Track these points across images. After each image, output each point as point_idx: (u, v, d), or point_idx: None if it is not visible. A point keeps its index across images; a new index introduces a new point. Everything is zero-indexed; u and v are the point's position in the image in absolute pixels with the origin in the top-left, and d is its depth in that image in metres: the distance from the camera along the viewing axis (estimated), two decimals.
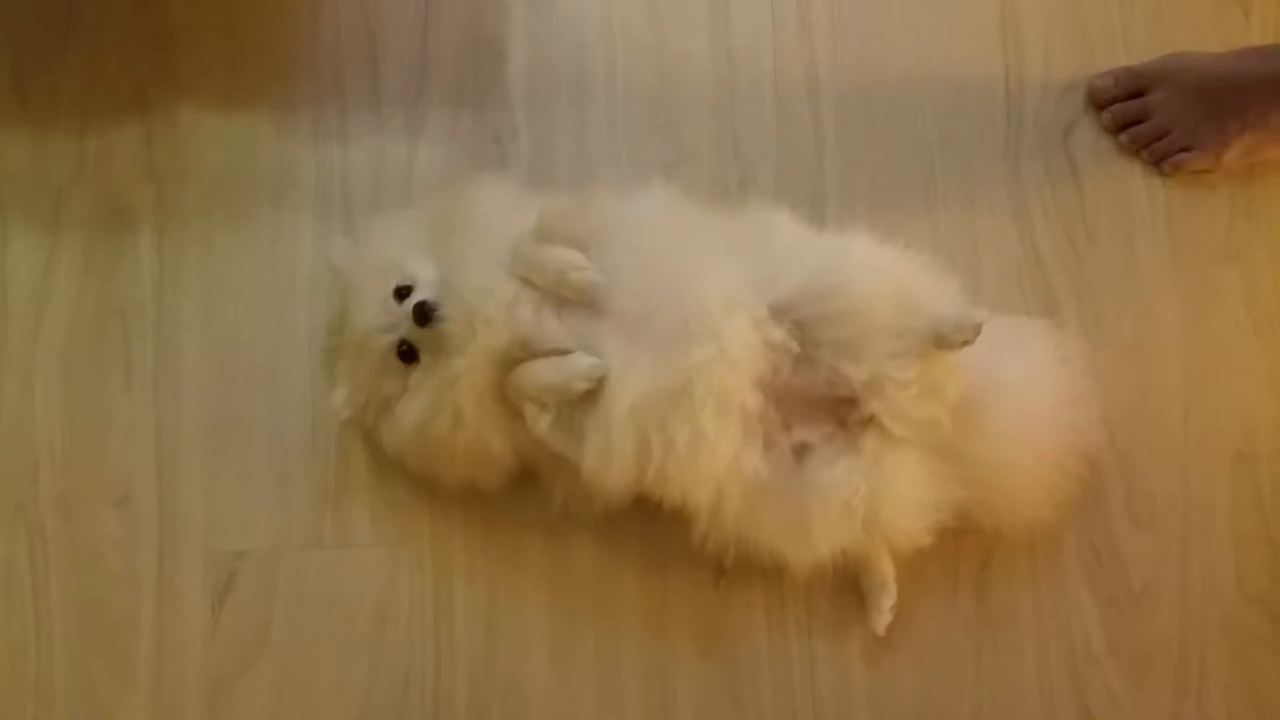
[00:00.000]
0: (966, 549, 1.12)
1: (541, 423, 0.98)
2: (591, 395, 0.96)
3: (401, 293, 1.02)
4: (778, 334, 0.98)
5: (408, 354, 1.01)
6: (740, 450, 0.97)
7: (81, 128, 1.19)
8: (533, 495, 1.09)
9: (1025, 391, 1.07)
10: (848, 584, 1.10)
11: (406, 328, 1.00)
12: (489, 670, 1.10)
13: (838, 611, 1.12)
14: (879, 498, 1.00)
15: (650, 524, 1.09)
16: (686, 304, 0.96)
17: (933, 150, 1.22)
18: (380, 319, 1.02)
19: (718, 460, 0.96)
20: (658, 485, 0.98)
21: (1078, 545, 1.14)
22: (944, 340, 0.97)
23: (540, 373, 0.98)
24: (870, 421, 1.01)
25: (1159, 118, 1.20)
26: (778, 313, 0.98)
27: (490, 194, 1.08)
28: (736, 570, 1.09)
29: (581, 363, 0.96)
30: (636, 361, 0.95)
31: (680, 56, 1.23)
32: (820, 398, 1.00)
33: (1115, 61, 1.24)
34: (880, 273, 1.01)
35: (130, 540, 1.11)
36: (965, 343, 0.96)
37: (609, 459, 0.97)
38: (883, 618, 1.09)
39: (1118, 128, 1.22)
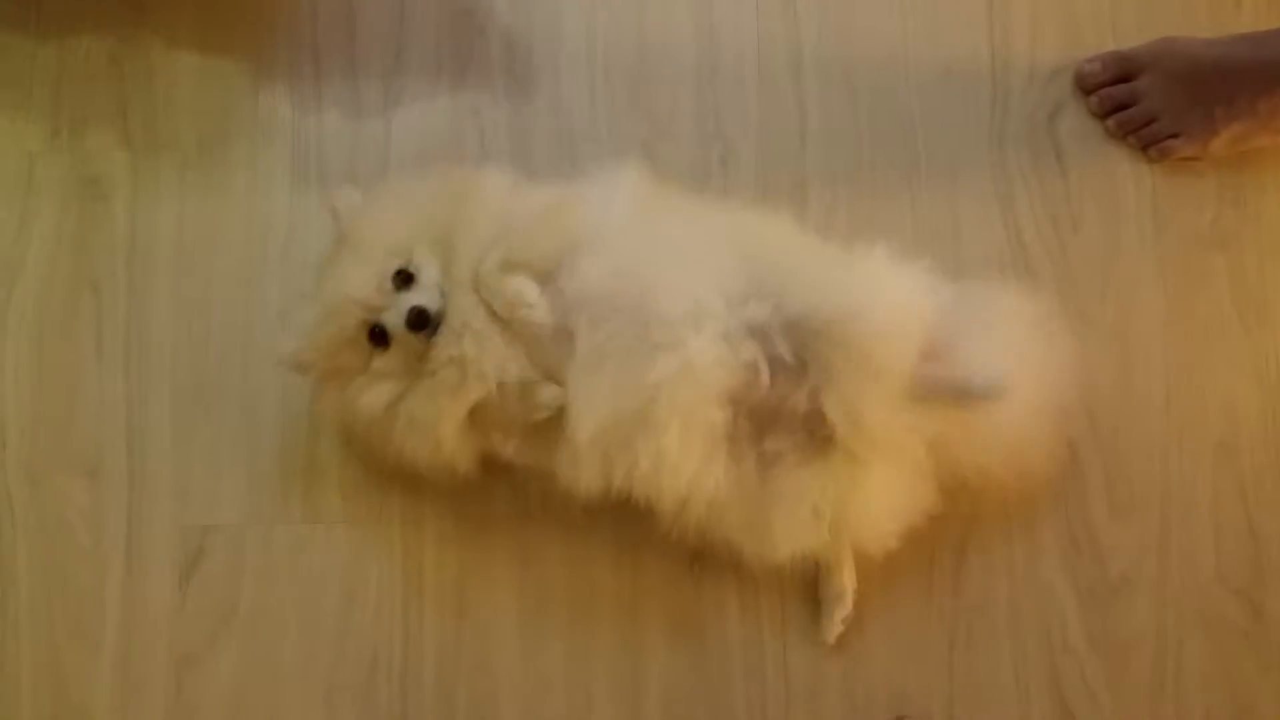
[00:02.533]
0: (942, 536, 1.10)
1: (509, 448, 1.01)
2: (557, 417, 0.97)
3: (403, 278, 0.99)
4: (749, 350, 0.96)
5: (379, 338, 0.99)
6: (703, 467, 0.96)
7: (55, 96, 1.18)
8: (506, 477, 1.07)
9: (1002, 357, 1.03)
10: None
11: (393, 319, 0.97)
12: (457, 651, 1.09)
13: (811, 599, 1.11)
14: (847, 502, 0.99)
15: (624, 508, 1.05)
16: (650, 317, 0.94)
17: (917, 132, 1.21)
18: (367, 294, 0.98)
19: (681, 478, 0.96)
20: (626, 490, 0.99)
21: (1056, 533, 1.13)
22: (966, 399, 0.97)
23: (506, 405, 0.98)
24: (839, 442, 0.99)
25: (1147, 103, 1.19)
26: (778, 329, 0.96)
27: (492, 193, 1.04)
28: (711, 556, 1.07)
29: (544, 394, 0.97)
30: (600, 383, 0.95)
31: (661, 31, 1.22)
32: (791, 411, 0.98)
33: (1103, 46, 1.23)
34: (897, 310, 0.97)
35: (98, 512, 1.11)
36: (986, 401, 0.96)
37: (576, 478, 0.98)
38: (833, 629, 1.08)
39: (1105, 112, 1.21)
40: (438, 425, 0.98)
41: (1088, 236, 1.19)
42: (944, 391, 0.97)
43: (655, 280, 0.96)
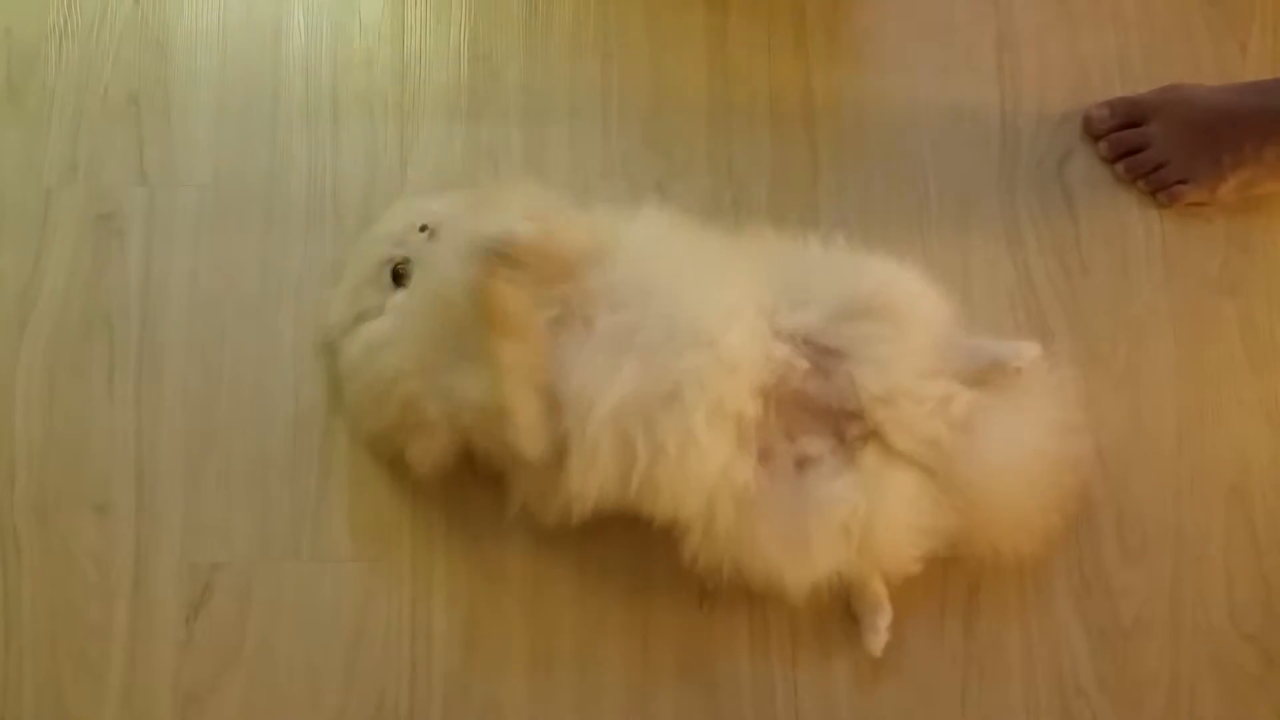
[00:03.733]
0: (955, 578, 1.10)
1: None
2: (572, 405, 0.94)
3: (426, 228, 1.04)
4: (782, 350, 0.97)
5: (399, 275, 1.03)
6: (734, 459, 0.95)
7: (74, 131, 1.19)
8: (518, 516, 1.06)
9: (1016, 418, 1.05)
10: (833, 609, 1.08)
11: (413, 248, 1.02)
12: (466, 690, 1.08)
13: (823, 637, 1.09)
14: (875, 518, 0.98)
15: (634, 543, 1.07)
16: (679, 313, 0.94)
17: (927, 175, 1.22)
18: (393, 231, 1.05)
19: (709, 467, 0.94)
20: (646, 496, 0.96)
21: (1068, 576, 1.12)
22: (1001, 367, 1.01)
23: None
24: (870, 437, 0.99)
25: (1156, 148, 1.19)
26: (812, 327, 0.99)
27: (530, 192, 1.08)
28: (721, 592, 1.07)
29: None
30: (621, 366, 0.93)
31: (676, 74, 1.23)
32: (824, 409, 0.99)
33: (1111, 92, 1.24)
34: (921, 295, 1.02)
35: (106, 548, 1.10)
36: (1019, 370, 1.02)
37: (589, 464, 0.94)
38: (879, 638, 1.06)
39: (1115, 157, 1.21)
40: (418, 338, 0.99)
41: (1098, 280, 1.19)
42: (980, 361, 1.01)
43: (683, 284, 0.96)
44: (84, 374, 1.13)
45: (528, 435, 0.95)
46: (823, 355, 0.99)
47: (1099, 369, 1.17)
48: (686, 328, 0.94)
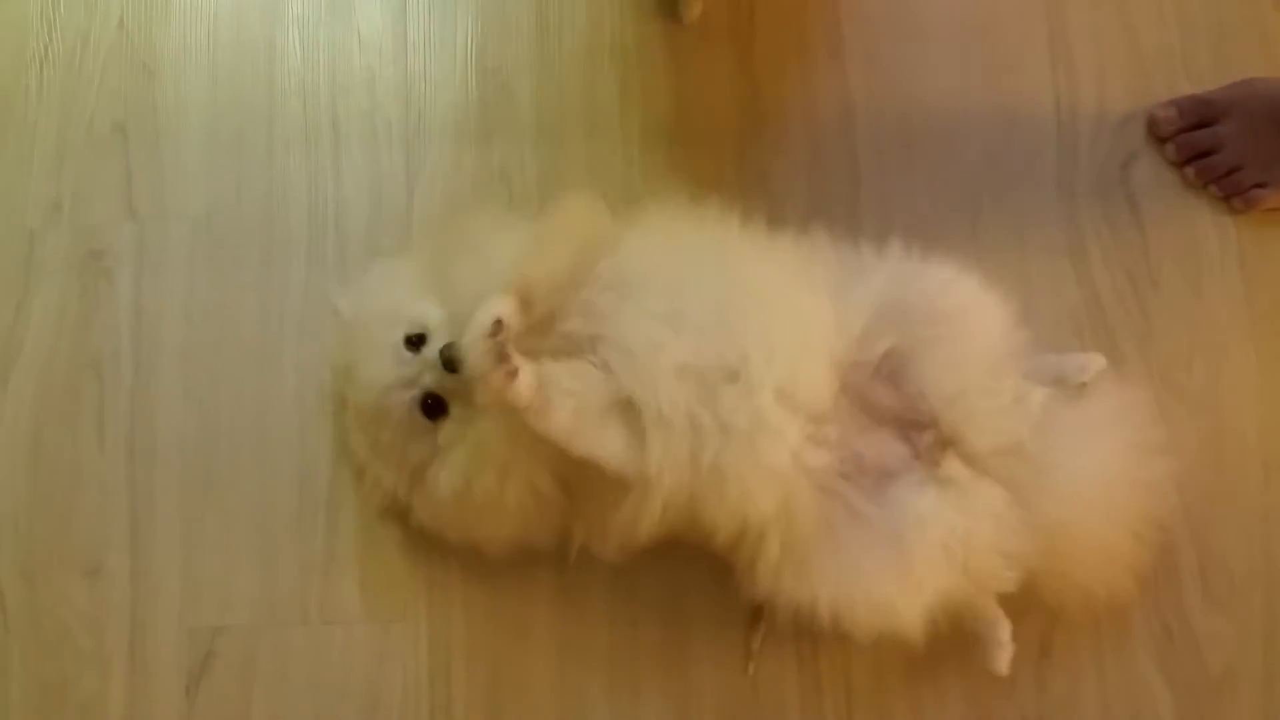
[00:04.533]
0: (1025, 629, 1.01)
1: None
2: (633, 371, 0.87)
3: (413, 341, 0.93)
4: (846, 345, 0.93)
5: (433, 408, 0.92)
6: (807, 446, 0.88)
7: (57, 166, 1.14)
8: (540, 568, 1.02)
9: (1091, 444, 0.97)
10: (889, 663, 1.02)
11: (431, 378, 0.91)
12: None
13: (881, 695, 1.03)
14: (972, 536, 0.91)
15: (669, 597, 1.03)
16: (728, 292, 0.89)
17: (979, 186, 1.15)
18: (395, 374, 0.93)
19: (781, 450, 0.87)
20: (713, 492, 0.87)
21: (1148, 625, 1.05)
22: (1065, 382, 0.99)
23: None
24: (947, 447, 0.93)
25: (1230, 150, 1.12)
26: (866, 332, 0.94)
27: (492, 222, 1.01)
28: (768, 648, 1.01)
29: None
30: (675, 335, 0.86)
31: (700, 85, 1.17)
32: (894, 417, 0.94)
33: (1175, 89, 1.17)
34: (983, 297, 0.99)
35: (99, 613, 1.05)
36: (1084, 385, 0.99)
37: (665, 434, 0.86)
38: (1005, 652, 0.97)
39: (1184, 160, 1.14)
40: (494, 436, 0.89)
41: (1169, 295, 1.12)
42: (1042, 377, 0.98)
43: (723, 270, 0.92)
44: (72, 425, 1.08)
45: (620, 461, 0.87)
46: (886, 360, 0.95)
47: (1174, 394, 1.10)
48: (739, 304, 0.88)
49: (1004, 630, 0.97)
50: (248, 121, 1.15)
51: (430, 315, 0.94)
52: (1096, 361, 1.02)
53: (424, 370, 0.92)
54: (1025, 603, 0.97)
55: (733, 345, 0.87)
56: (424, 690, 1.03)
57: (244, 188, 1.13)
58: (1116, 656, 1.04)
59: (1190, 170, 1.14)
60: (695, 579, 1.02)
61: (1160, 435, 1.01)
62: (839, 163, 1.15)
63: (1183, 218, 1.14)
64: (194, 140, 1.15)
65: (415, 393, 0.92)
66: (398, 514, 1.02)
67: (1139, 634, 1.05)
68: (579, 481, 0.92)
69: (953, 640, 0.97)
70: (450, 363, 0.87)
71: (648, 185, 1.14)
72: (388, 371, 0.93)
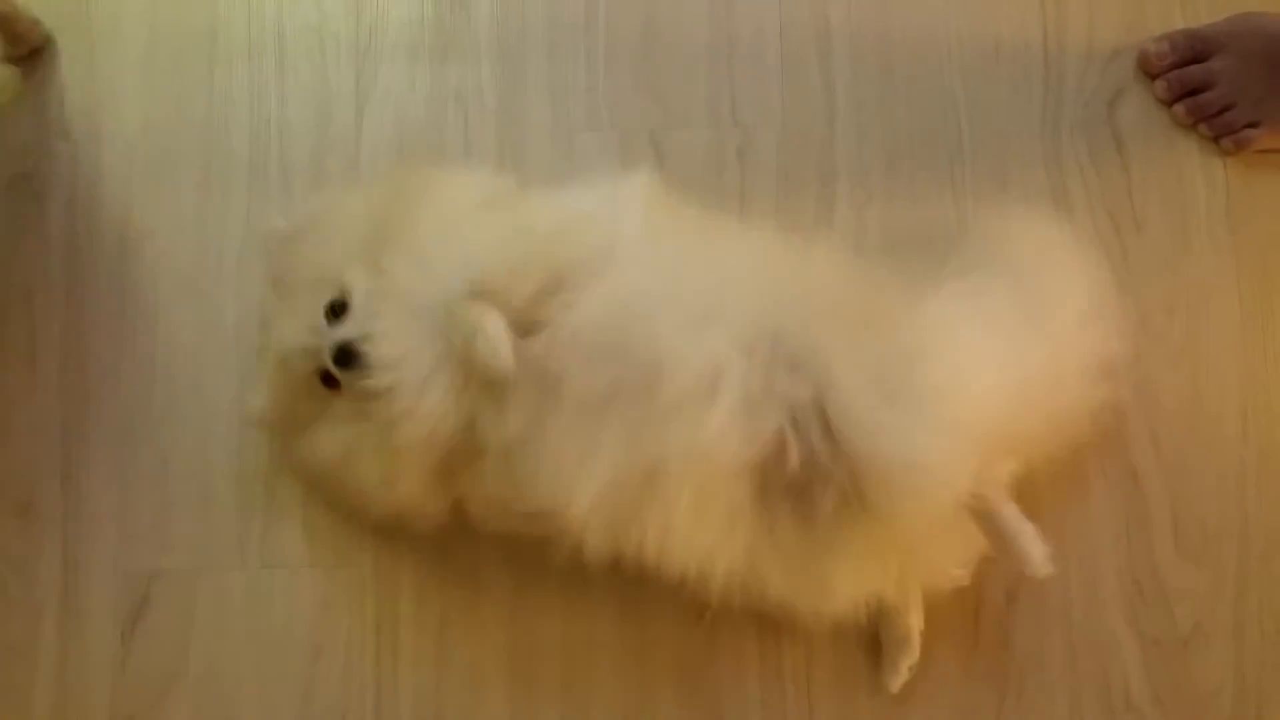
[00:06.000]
0: (990, 582, 1.00)
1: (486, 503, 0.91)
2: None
3: (335, 309, 0.89)
4: (775, 419, 0.83)
5: (330, 380, 0.89)
6: (724, 539, 0.85)
7: None
8: None
9: (1037, 296, 0.94)
10: (853, 626, 0.98)
11: (329, 358, 0.87)
12: (438, 713, 1.01)
13: (841, 656, 1.01)
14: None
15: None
16: (660, 373, 0.82)
17: (960, 121, 1.11)
18: (304, 340, 0.90)
19: (697, 549, 0.86)
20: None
21: (1118, 579, 1.03)
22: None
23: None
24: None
25: (1222, 87, 1.08)
26: (811, 412, 0.84)
27: (453, 190, 0.94)
28: (726, 606, 0.97)
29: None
30: (600, 444, 0.83)
31: (672, 5, 1.13)
32: (828, 478, 0.86)
33: (1169, 23, 1.13)
34: (959, 438, 0.84)
35: (30, 555, 1.03)
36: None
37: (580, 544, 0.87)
38: (898, 678, 0.99)
39: (1173, 98, 1.10)
40: (391, 473, 0.89)
41: (1153, 238, 1.09)
42: (995, 535, 0.89)
43: (667, 326, 0.84)
44: (1, 359, 1.06)
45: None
46: (823, 440, 0.85)
47: (1153, 341, 1.07)
48: (667, 389, 0.82)
49: (907, 657, 0.98)
50: (188, 35, 1.12)
51: (357, 287, 0.89)
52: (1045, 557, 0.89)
53: (328, 348, 0.88)
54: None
55: (654, 440, 0.83)
56: (369, 637, 1.01)
57: (183, 107, 1.11)
58: (1084, 609, 1.03)
59: (1180, 108, 1.10)
60: None
61: (1135, 379, 1.01)
62: (814, 93, 1.11)
63: (1170, 158, 1.11)
64: (130, 55, 1.12)
65: (316, 365, 0.90)
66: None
67: (1108, 589, 1.03)
68: (464, 470, 0.90)
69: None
70: (344, 358, 0.85)
71: (613, 112, 1.10)
72: (298, 335, 0.90)
